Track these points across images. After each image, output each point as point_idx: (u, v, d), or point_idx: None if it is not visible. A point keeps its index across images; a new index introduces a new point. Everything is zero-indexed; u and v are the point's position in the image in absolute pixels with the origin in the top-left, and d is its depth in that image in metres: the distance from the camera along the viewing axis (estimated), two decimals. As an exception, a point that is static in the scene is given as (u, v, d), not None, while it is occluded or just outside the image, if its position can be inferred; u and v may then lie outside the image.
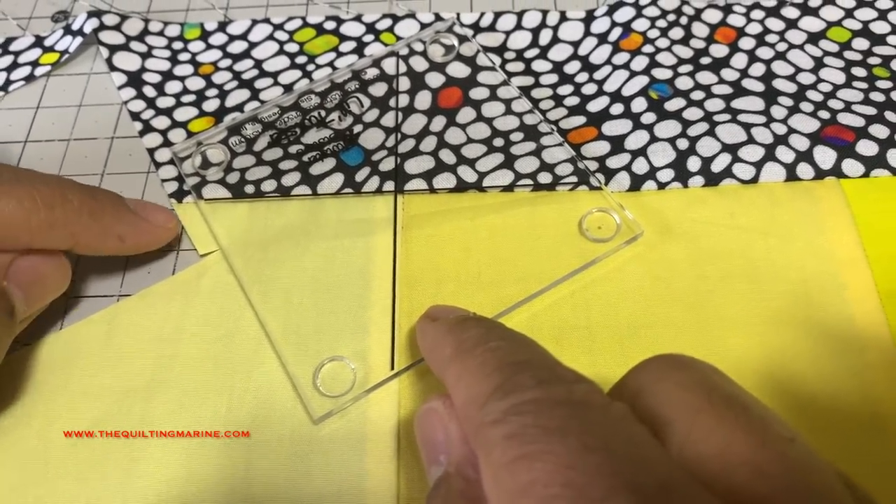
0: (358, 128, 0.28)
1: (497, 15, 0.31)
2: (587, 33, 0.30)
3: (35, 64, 0.31)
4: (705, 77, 0.28)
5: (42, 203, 0.22)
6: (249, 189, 0.27)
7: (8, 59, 0.32)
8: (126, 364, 0.24)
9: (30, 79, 0.31)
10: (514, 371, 0.16)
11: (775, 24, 0.30)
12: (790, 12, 0.30)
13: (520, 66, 0.30)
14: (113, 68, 0.30)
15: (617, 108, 0.28)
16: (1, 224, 0.22)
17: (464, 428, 0.17)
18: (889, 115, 0.27)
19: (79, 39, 0.31)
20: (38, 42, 0.32)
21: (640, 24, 0.30)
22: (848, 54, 0.29)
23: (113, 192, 0.25)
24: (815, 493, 0.14)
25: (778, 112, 0.27)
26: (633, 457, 0.14)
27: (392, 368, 0.23)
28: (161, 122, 0.29)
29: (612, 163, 0.27)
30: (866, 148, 0.26)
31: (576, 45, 0.30)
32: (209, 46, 0.31)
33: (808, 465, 0.14)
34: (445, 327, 0.19)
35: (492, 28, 0.31)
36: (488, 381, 0.16)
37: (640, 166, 0.26)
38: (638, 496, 0.13)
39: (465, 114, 0.28)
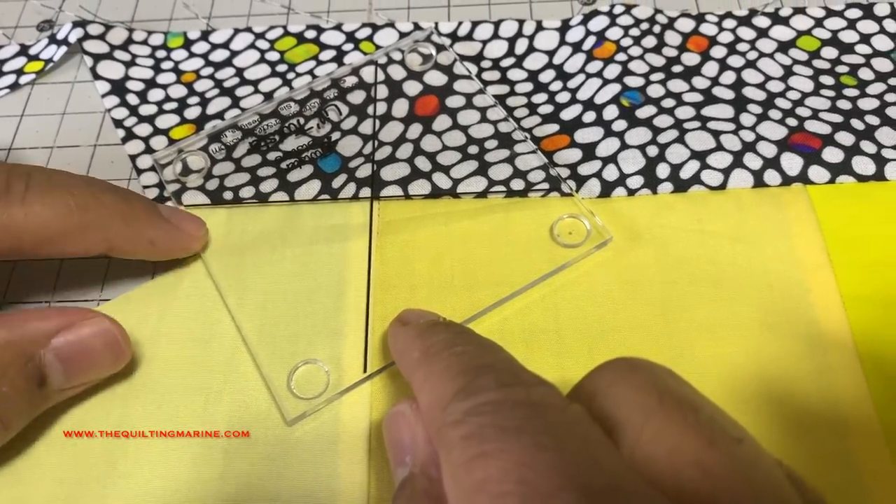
0: (336, 135, 0.28)
1: (474, 24, 0.32)
2: (562, 42, 0.31)
3: (20, 72, 0.32)
4: (677, 85, 0.29)
5: (76, 206, 0.22)
6: (228, 195, 0.27)
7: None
8: (104, 367, 0.24)
9: (14, 87, 0.32)
10: (476, 374, 0.17)
11: (747, 33, 0.31)
12: (761, 21, 0.31)
13: (496, 75, 0.30)
14: (97, 77, 0.31)
15: (589, 116, 0.28)
16: (35, 229, 0.22)
17: (427, 430, 0.18)
18: (855, 123, 0.27)
19: (63, 48, 0.32)
20: (23, 51, 0.33)
21: (614, 33, 0.30)
22: (817, 63, 0.30)
23: (145, 197, 0.25)
24: (760, 492, 0.14)
25: (747, 119, 0.28)
26: (585, 456, 0.15)
27: (365, 371, 0.23)
28: (143, 130, 0.29)
29: (584, 170, 0.27)
30: (832, 155, 0.26)
31: (551, 53, 0.31)
32: (192, 55, 0.32)
33: (754, 464, 0.15)
34: (415, 332, 0.20)
35: (469, 37, 0.31)
36: (452, 384, 0.17)
37: (611, 173, 0.27)
38: (586, 494, 0.14)
39: (441, 121, 0.29)
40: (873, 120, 0.27)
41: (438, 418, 0.16)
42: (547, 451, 0.14)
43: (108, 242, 0.23)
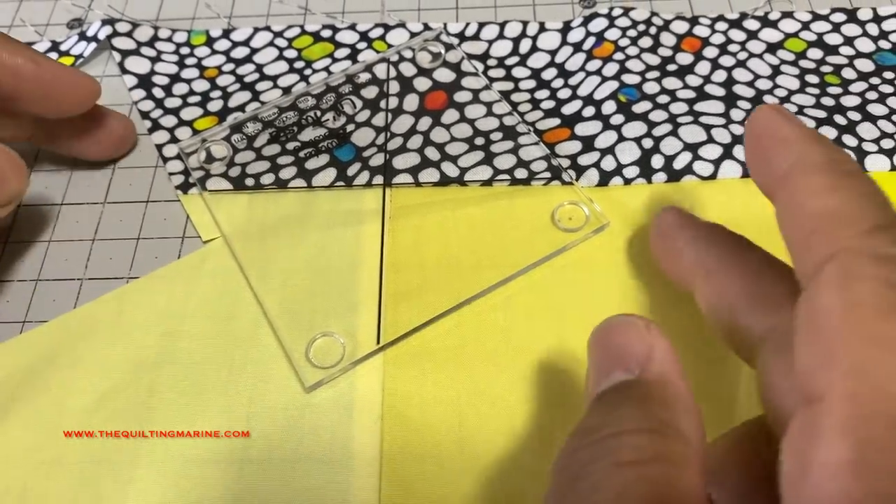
0: (350, 127, 0.30)
1: (481, 25, 0.34)
2: (563, 42, 0.33)
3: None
4: (671, 82, 0.31)
5: None
6: (249, 182, 0.29)
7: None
8: (135, 338, 0.26)
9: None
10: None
11: (737, 34, 0.33)
12: (751, 24, 0.33)
13: (501, 73, 0.32)
14: (125, 71, 0.33)
15: (588, 111, 0.30)
16: None
17: (807, 227, 0.16)
18: (838, 118, 0.29)
19: (93, 45, 0.33)
20: (55, 47, 0.34)
21: (612, 34, 0.32)
22: (803, 63, 0.32)
23: None
24: None
25: (737, 115, 0.29)
26: None
27: (378, 343, 0.25)
28: (168, 121, 0.31)
29: (583, 160, 0.29)
30: (816, 148, 0.28)
31: (553, 53, 0.33)
32: (214, 52, 0.34)
33: None
34: (810, 132, 0.18)
35: (476, 37, 0.33)
36: (876, 214, 0.15)
37: (609, 163, 0.29)
38: None
39: (450, 115, 0.30)
40: (855, 116, 0.29)
41: (849, 235, 0.15)
42: None
43: None
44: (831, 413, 0.13)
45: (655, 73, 0.31)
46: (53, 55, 0.34)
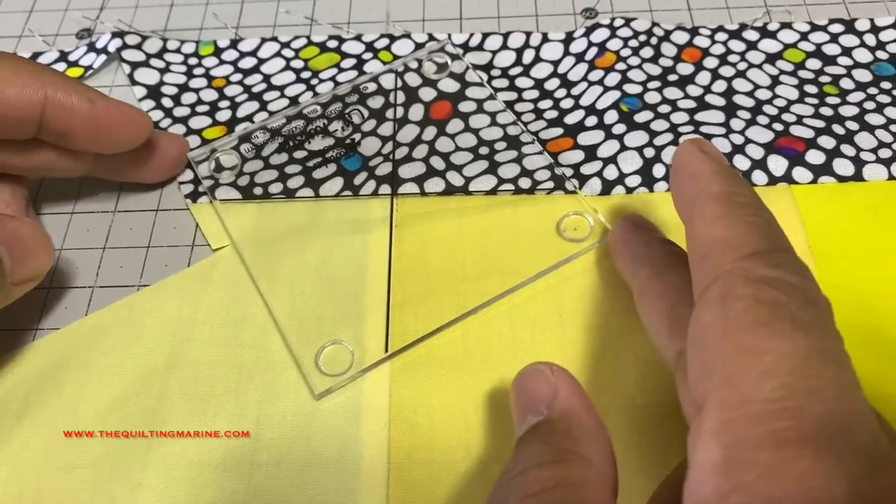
0: (357, 136, 0.31)
1: (485, 36, 0.34)
2: (566, 53, 0.33)
3: (61, 77, 0.34)
4: (672, 92, 0.31)
5: (10, 58, 0.24)
6: (258, 191, 0.29)
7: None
8: (146, 344, 0.26)
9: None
10: (778, 248, 0.17)
11: (737, 45, 0.33)
12: (751, 35, 0.34)
13: (505, 83, 0.33)
14: (134, 82, 0.33)
15: (591, 121, 0.31)
16: None
17: (701, 255, 0.18)
18: (836, 128, 0.30)
19: (103, 57, 0.34)
20: (63, 57, 0.35)
21: (614, 44, 0.33)
22: (802, 73, 0.32)
23: None
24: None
25: (736, 124, 0.30)
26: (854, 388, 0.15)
27: (386, 351, 0.26)
28: (177, 130, 0.32)
29: (586, 169, 0.29)
30: (815, 157, 0.29)
31: (556, 63, 0.33)
32: (222, 62, 0.34)
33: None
34: (717, 166, 0.19)
35: (480, 48, 0.34)
36: (755, 240, 0.17)
37: (611, 172, 0.29)
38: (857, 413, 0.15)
39: (455, 125, 0.31)
40: (853, 126, 0.30)
41: (730, 260, 0.16)
42: (829, 365, 0.15)
43: (42, 91, 0.24)
44: (708, 419, 0.15)
45: (657, 83, 0.31)
46: (62, 65, 0.35)
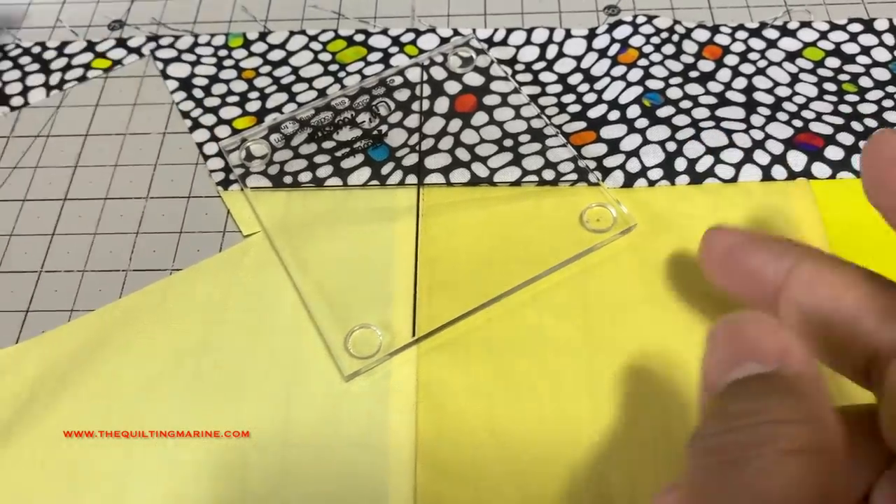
0: (384, 128, 0.31)
1: (509, 31, 0.35)
2: (589, 48, 0.34)
3: (87, 66, 0.35)
4: (693, 88, 0.32)
5: None
6: (288, 179, 0.30)
7: (62, 62, 0.35)
8: (178, 327, 0.27)
9: (82, 80, 0.35)
10: None
11: (757, 43, 0.34)
12: (771, 33, 0.34)
13: (528, 77, 0.33)
14: (166, 77, 0.34)
15: (614, 115, 0.31)
16: None
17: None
18: (855, 125, 0.30)
19: (134, 56, 0.35)
20: (90, 47, 0.36)
21: (637, 41, 0.33)
22: (821, 71, 0.33)
23: None
24: None
25: (756, 120, 0.31)
26: None
27: (413, 335, 0.26)
28: (208, 120, 0.33)
29: (609, 162, 0.30)
30: (834, 153, 0.29)
31: (579, 59, 0.34)
32: (251, 54, 0.35)
33: None
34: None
35: (504, 43, 0.34)
36: None
37: (633, 166, 0.30)
38: None
39: (479, 117, 0.32)
40: (871, 123, 0.30)
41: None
42: None
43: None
44: None
45: (678, 80, 0.32)
46: (88, 55, 0.35)
